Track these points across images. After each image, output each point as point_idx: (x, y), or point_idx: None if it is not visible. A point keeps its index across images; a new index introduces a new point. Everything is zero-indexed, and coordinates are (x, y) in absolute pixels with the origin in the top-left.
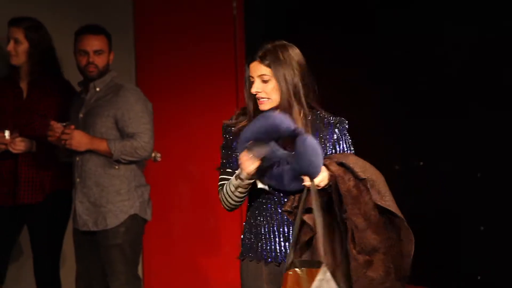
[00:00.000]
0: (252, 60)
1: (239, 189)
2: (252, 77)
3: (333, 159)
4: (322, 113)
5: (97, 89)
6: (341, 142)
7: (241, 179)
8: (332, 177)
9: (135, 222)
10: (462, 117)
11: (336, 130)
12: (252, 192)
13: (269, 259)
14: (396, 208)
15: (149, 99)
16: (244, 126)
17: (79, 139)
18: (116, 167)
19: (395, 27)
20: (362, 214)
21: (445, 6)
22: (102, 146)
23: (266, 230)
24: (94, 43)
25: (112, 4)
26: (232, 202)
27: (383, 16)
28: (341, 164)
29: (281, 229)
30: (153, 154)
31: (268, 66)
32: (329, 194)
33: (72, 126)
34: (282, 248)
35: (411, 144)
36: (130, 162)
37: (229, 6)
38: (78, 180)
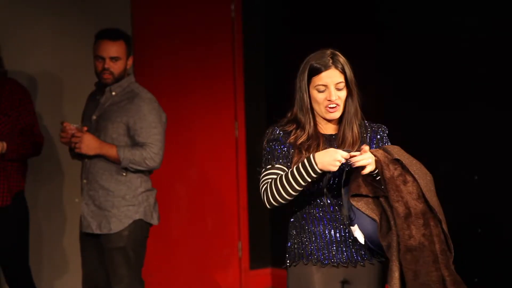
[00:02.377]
0: (326, 68)
1: (304, 178)
2: (324, 86)
3: (379, 148)
4: (365, 122)
5: (113, 93)
6: (380, 143)
7: (314, 168)
8: (378, 163)
9: (139, 227)
10: (460, 120)
11: (379, 135)
12: (299, 199)
13: (325, 261)
14: (440, 210)
15: None
16: (304, 141)
17: (88, 143)
18: (124, 174)
19: (395, 26)
20: (404, 203)
21: (450, 3)
22: (111, 152)
23: (317, 232)
24: (110, 50)
25: (110, 6)
26: (284, 196)
27: (382, 15)
28: (385, 151)
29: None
30: None
31: (343, 72)
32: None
33: (85, 128)
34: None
35: (408, 146)
36: (138, 171)
37: (227, 9)
38: (85, 181)
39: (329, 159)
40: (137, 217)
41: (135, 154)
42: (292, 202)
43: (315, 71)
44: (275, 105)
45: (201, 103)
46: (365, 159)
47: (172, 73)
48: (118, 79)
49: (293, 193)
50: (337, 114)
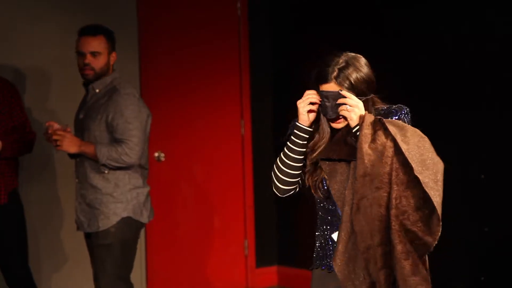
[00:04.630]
0: (326, 81)
1: (295, 144)
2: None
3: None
4: (381, 107)
5: (97, 90)
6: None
7: (297, 126)
8: (361, 118)
9: (127, 225)
10: (466, 119)
11: (397, 116)
12: (319, 204)
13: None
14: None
15: (152, 99)
16: (317, 145)
17: (69, 141)
18: (106, 171)
19: (398, 24)
20: (364, 162)
21: (457, 4)
22: (90, 150)
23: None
24: (90, 45)
25: (116, 4)
26: (285, 171)
27: (386, 13)
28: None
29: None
30: (156, 154)
31: (349, 88)
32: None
33: (69, 129)
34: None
35: None
36: (121, 167)
37: (233, 6)
38: (76, 181)
39: (301, 104)
40: (125, 214)
41: (111, 151)
42: (316, 207)
43: (319, 79)
44: (281, 103)
45: (207, 101)
46: (354, 100)
47: (178, 71)
48: (100, 75)
49: (293, 164)
50: (341, 125)
